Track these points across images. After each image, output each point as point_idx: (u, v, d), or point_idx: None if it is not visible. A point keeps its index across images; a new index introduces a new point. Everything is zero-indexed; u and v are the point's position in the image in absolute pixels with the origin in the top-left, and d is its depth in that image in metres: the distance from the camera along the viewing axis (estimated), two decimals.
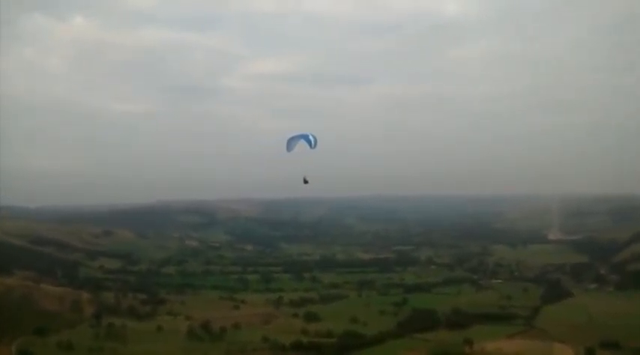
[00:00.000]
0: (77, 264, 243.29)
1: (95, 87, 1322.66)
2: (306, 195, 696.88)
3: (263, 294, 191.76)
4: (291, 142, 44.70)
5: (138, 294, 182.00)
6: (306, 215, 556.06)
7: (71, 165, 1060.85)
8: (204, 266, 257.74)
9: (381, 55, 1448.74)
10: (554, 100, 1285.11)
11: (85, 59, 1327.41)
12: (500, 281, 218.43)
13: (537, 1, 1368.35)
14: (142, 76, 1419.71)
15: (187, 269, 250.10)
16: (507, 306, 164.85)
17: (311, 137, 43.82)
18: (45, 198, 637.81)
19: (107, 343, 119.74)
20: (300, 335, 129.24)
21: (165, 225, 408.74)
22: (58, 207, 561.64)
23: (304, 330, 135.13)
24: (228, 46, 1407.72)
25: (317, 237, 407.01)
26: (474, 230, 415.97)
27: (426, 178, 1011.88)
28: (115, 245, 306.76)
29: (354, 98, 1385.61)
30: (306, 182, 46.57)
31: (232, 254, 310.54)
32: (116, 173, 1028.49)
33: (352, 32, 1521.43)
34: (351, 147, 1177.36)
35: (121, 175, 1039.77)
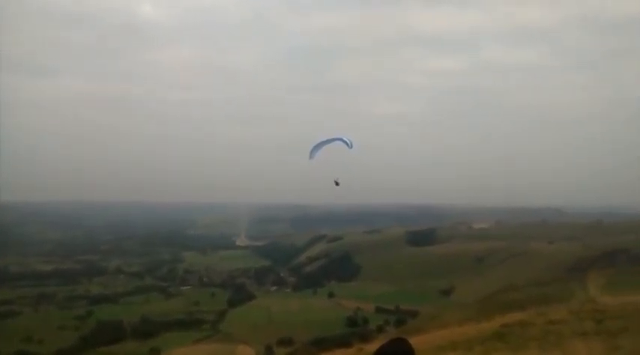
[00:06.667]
0: None
1: None
2: None
3: None
4: (317, 149, 34.23)
5: None
6: None
7: None
8: None
9: (67, 47, 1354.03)
10: (248, 113, 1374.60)
11: None
12: (189, 287, 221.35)
13: (234, 17, 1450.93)
14: None
15: None
16: (195, 312, 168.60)
17: (346, 138, 34.75)
18: None
19: None
20: None
21: None
22: None
23: None
24: None
25: None
26: (165, 237, 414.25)
27: (118, 184, 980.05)
28: None
29: (34, 89, 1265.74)
30: (337, 184, 36.46)
31: None
32: None
33: (37, 18, 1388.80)
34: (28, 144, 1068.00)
35: None
